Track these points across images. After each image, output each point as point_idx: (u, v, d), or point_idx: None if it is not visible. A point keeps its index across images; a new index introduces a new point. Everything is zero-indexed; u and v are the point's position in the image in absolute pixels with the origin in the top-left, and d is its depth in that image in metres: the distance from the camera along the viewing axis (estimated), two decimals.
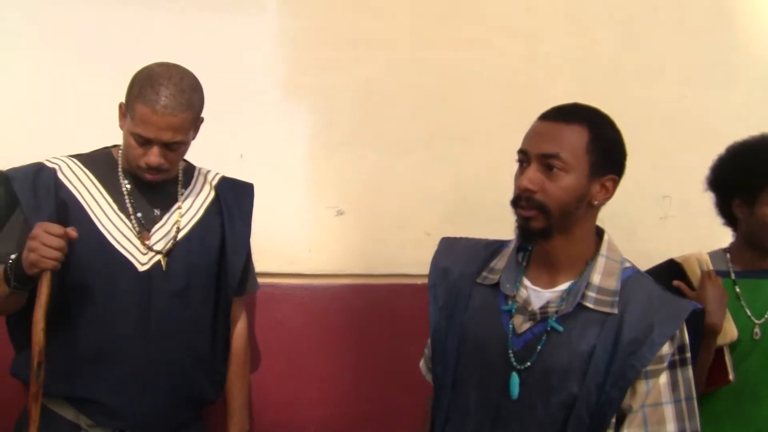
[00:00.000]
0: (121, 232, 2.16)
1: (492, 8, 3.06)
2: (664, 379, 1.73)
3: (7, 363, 2.23)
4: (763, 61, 3.47)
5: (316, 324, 2.86)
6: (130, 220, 2.18)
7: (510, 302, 1.84)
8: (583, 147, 1.75)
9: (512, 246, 1.92)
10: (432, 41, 2.98)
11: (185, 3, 2.75)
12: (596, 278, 1.78)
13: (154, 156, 2.10)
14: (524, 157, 1.79)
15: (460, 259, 1.98)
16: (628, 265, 1.85)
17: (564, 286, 1.81)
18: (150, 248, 2.17)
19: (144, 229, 2.19)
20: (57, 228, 1.90)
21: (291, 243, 2.86)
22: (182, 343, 2.23)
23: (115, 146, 2.29)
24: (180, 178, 2.31)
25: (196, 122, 2.18)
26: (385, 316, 2.91)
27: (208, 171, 2.41)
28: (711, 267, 2.35)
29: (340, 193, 2.90)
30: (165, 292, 2.18)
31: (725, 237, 2.54)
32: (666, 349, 1.72)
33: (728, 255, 2.48)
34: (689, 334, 1.77)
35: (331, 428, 2.89)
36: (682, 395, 1.75)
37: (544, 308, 1.80)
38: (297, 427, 2.85)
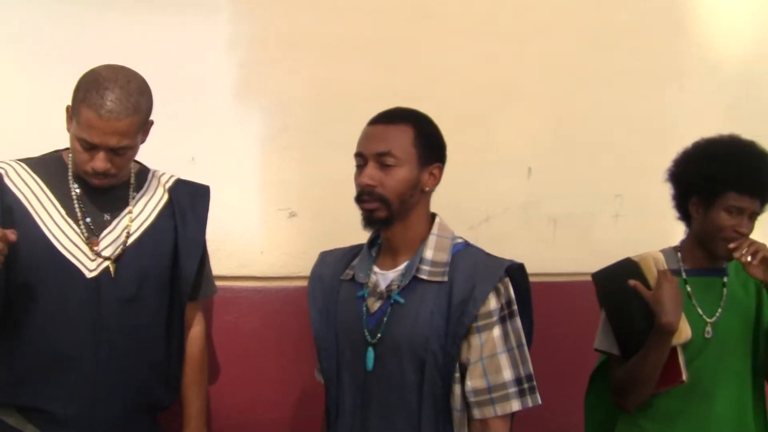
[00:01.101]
0: (69, 238, 2.12)
1: (451, 10, 3.07)
2: (496, 332, 1.97)
3: None
4: (714, 59, 3.53)
5: (270, 326, 2.85)
6: (79, 226, 2.14)
7: (363, 288, 2.09)
8: (410, 142, 2.01)
9: (366, 244, 2.19)
10: (388, 41, 2.99)
11: (137, 4, 2.72)
12: (429, 253, 2.04)
13: (100, 161, 2.07)
14: (361, 159, 2.05)
15: (331, 266, 2.23)
16: (459, 241, 2.10)
17: (404, 265, 2.06)
18: (98, 254, 2.14)
19: (93, 235, 2.15)
20: None
21: (243, 245, 2.84)
22: (135, 349, 2.19)
23: (65, 149, 2.23)
24: (132, 182, 2.27)
25: (144, 126, 2.14)
26: None
27: (163, 173, 2.37)
28: (666, 266, 2.37)
29: (293, 195, 2.89)
30: (115, 299, 2.14)
31: (677, 236, 2.57)
32: (493, 304, 1.97)
33: (679, 254, 2.51)
34: (515, 290, 2.02)
35: (289, 430, 2.87)
36: (514, 344, 1.98)
37: (389, 287, 2.06)
38: (254, 429, 2.83)
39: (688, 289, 2.44)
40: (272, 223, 2.88)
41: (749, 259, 2.29)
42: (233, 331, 2.80)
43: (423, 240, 2.06)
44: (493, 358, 1.96)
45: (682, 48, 3.48)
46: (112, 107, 2.02)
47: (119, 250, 2.17)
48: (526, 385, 1.98)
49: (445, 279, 2.00)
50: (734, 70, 3.58)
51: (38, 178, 2.16)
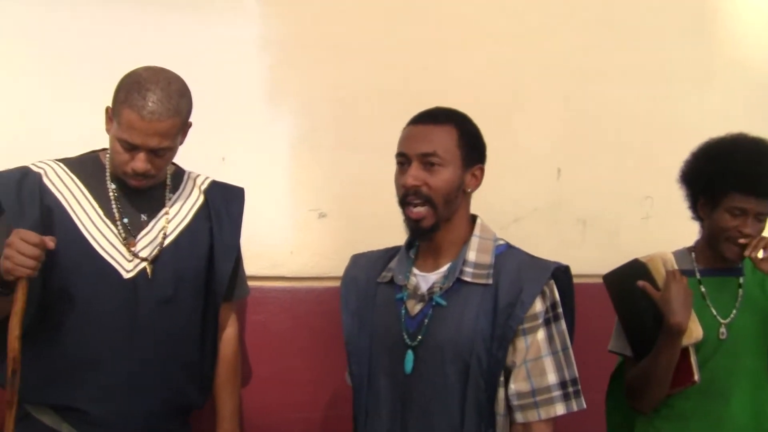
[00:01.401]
0: (107, 239, 2.13)
1: (474, 11, 3.07)
2: (541, 335, 1.95)
3: None
4: (741, 61, 3.50)
5: (300, 326, 2.85)
6: (116, 226, 2.15)
7: (403, 290, 2.07)
8: (454, 143, 2.00)
9: (403, 246, 2.17)
10: (414, 45, 2.99)
11: (169, 7, 2.73)
12: (472, 255, 2.02)
13: (140, 162, 2.08)
14: (404, 159, 2.03)
15: (366, 267, 2.22)
16: (501, 242, 2.09)
17: (446, 267, 2.04)
18: (135, 255, 2.14)
19: (130, 235, 2.16)
20: (33, 236, 1.87)
21: (273, 245, 2.85)
22: (169, 350, 2.19)
23: (102, 150, 2.25)
24: (168, 183, 2.28)
25: (183, 127, 2.16)
26: None
27: (198, 175, 2.38)
28: (676, 266, 2.36)
29: (323, 195, 2.90)
30: (151, 300, 2.15)
31: None
32: (539, 307, 1.95)
33: (693, 254, 2.49)
34: (559, 293, 2.00)
35: (318, 431, 2.88)
36: (559, 347, 1.97)
37: (431, 289, 2.03)
38: (283, 429, 2.83)
39: (702, 289, 2.43)
40: (302, 224, 2.89)
41: (759, 255, 2.29)
42: (263, 331, 2.81)
43: (465, 242, 2.05)
44: (537, 361, 1.94)
45: (710, 48, 3.46)
46: (154, 108, 2.03)
47: (156, 251, 2.17)
48: (570, 389, 1.96)
49: (490, 281, 1.98)
50: (762, 69, 3.55)
51: (76, 178, 2.17)
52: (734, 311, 2.41)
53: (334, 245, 2.88)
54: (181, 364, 2.24)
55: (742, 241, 2.31)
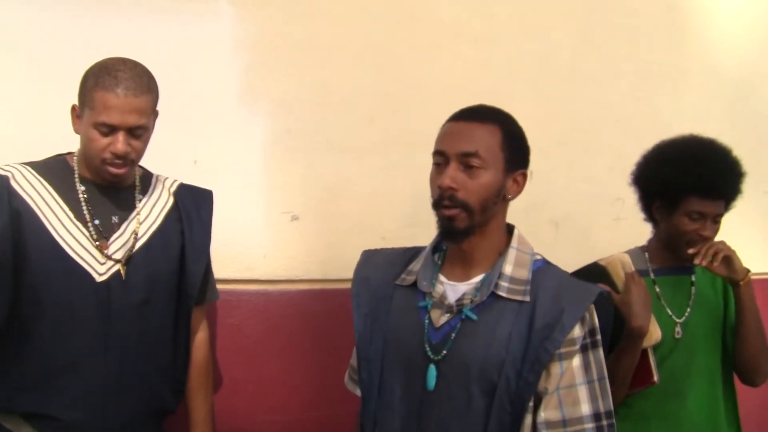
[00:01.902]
0: (78, 241, 2.10)
1: (449, 14, 3.08)
2: (577, 361, 1.80)
3: None
4: (714, 62, 3.55)
5: (274, 329, 2.85)
6: (87, 228, 2.12)
7: (427, 298, 1.91)
8: (498, 144, 1.84)
9: (428, 248, 2.00)
10: (389, 46, 2.99)
11: (139, 7, 2.72)
12: (508, 269, 1.86)
13: (120, 144, 2.06)
14: (442, 158, 1.86)
15: (381, 267, 2.06)
16: (538, 257, 1.93)
17: (478, 278, 1.89)
18: (108, 257, 2.12)
19: (102, 237, 2.13)
20: None
21: (246, 249, 2.84)
22: (143, 354, 2.17)
23: (69, 153, 2.22)
24: (137, 184, 2.26)
25: (154, 110, 2.16)
26: (343, 320, 2.87)
27: (166, 178, 2.37)
28: (633, 268, 2.37)
29: (296, 198, 2.89)
30: (125, 303, 2.13)
31: None
32: (577, 332, 1.79)
33: (646, 254, 2.52)
34: (599, 318, 1.84)
35: None
36: (595, 376, 1.82)
37: (459, 300, 1.87)
38: None
39: (657, 289, 2.45)
40: (275, 227, 2.87)
41: (711, 261, 2.31)
42: (237, 334, 2.79)
43: (500, 252, 1.90)
44: (571, 389, 1.80)
45: (681, 49, 3.49)
46: (128, 85, 2.04)
47: (128, 253, 2.16)
48: (605, 422, 1.82)
49: (527, 299, 1.82)
50: (733, 71, 3.60)
51: (45, 181, 2.13)
52: (688, 310, 2.45)
53: (308, 248, 2.88)
54: (155, 368, 2.22)
55: (691, 251, 2.33)
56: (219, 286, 2.49)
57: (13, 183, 2.09)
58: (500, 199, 1.87)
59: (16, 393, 2.06)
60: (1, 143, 2.52)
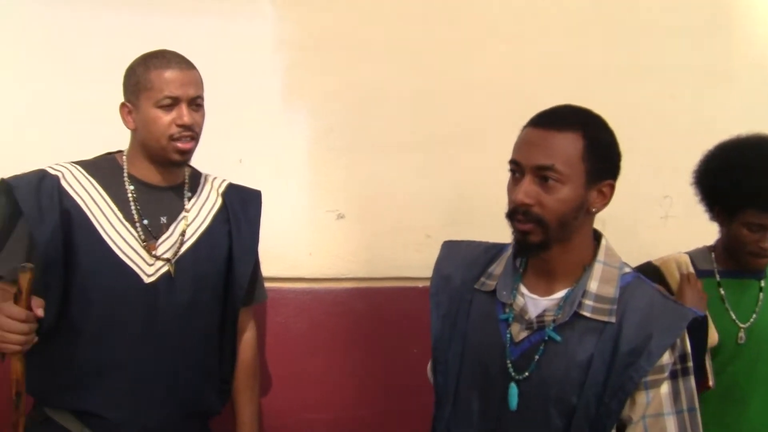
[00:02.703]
0: (126, 242, 2.11)
1: (486, 12, 3.06)
2: (665, 389, 1.68)
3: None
4: (760, 59, 3.47)
5: (319, 328, 2.86)
6: (136, 229, 2.12)
7: (507, 310, 1.80)
8: (578, 155, 1.68)
9: (510, 251, 1.86)
10: (431, 45, 2.98)
11: (184, 8, 2.74)
12: (593, 285, 1.73)
13: (186, 115, 2.10)
14: (517, 167, 1.73)
15: (461, 265, 1.94)
16: (627, 270, 1.80)
17: (561, 293, 1.77)
18: (157, 257, 2.12)
19: (151, 238, 2.14)
20: (18, 312, 1.82)
21: (292, 247, 2.85)
22: (189, 355, 2.18)
23: (118, 152, 2.23)
24: (186, 183, 2.27)
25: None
26: (387, 319, 2.91)
27: (215, 177, 2.37)
28: (691, 269, 2.32)
29: (341, 196, 2.90)
30: (172, 304, 2.13)
31: None
32: (666, 358, 1.67)
33: (713, 254, 2.45)
34: (691, 343, 1.71)
35: (337, 431, 2.88)
36: (684, 406, 1.70)
37: (540, 317, 1.76)
38: (302, 430, 2.84)
39: (721, 291, 2.39)
40: (320, 225, 2.89)
41: None
42: (282, 332, 2.81)
43: (585, 266, 1.77)
44: (658, 418, 1.68)
45: (728, 45, 3.43)
46: (180, 59, 2.14)
47: (176, 254, 2.16)
48: None
49: (613, 320, 1.70)
50: None
51: (94, 180, 2.14)
52: (754, 315, 2.37)
53: (352, 246, 2.89)
54: (200, 368, 2.23)
55: (763, 261, 2.27)
56: (265, 285, 2.50)
57: (63, 182, 2.11)
58: (582, 212, 1.72)
59: (63, 390, 2.09)
60: (48, 143, 2.57)
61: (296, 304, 2.83)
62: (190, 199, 2.26)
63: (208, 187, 2.33)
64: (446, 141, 2.97)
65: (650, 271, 2.35)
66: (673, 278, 2.29)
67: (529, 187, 1.68)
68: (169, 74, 2.09)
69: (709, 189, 2.42)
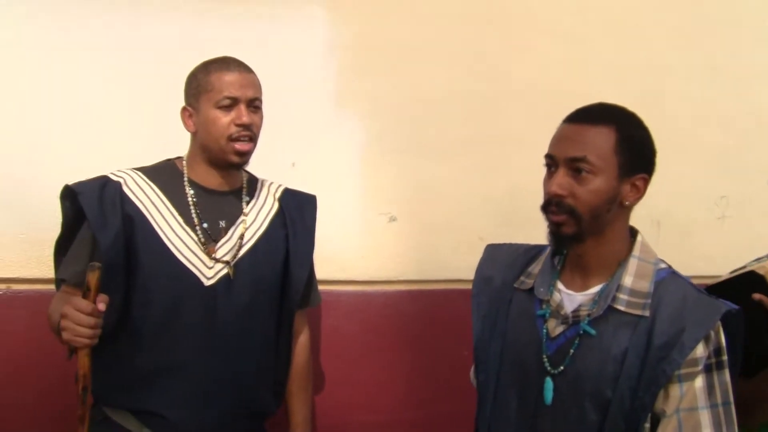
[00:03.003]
0: (186, 245, 2.14)
1: (540, 12, 3.05)
2: (699, 383, 1.69)
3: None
4: None
5: (370, 330, 2.87)
6: (195, 232, 2.16)
7: (544, 306, 1.85)
8: (611, 148, 1.73)
9: (548, 250, 1.91)
10: (481, 46, 2.98)
11: (236, 14, 2.76)
12: (628, 280, 1.77)
13: (244, 115, 2.14)
14: (552, 161, 1.79)
15: (502, 267, 2.00)
16: (663, 266, 1.82)
17: (596, 288, 1.80)
18: (216, 260, 2.15)
19: (210, 241, 2.17)
20: (87, 305, 1.86)
21: (344, 250, 2.86)
22: (246, 356, 2.21)
23: (178, 158, 2.28)
24: (244, 187, 2.31)
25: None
26: (439, 322, 2.91)
27: (271, 182, 2.40)
28: None
29: (393, 199, 2.90)
30: (230, 307, 2.16)
31: None
32: (700, 351, 1.68)
33: None
34: (726, 337, 1.72)
35: None
36: (719, 400, 1.70)
37: (576, 312, 1.80)
38: None
39: None
40: (372, 228, 2.90)
41: None
42: (334, 334, 2.82)
43: (621, 261, 1.80)
44: (692, 412, 1.69)
45: None
46: (239, 63, 2.20)
47: (235, 257, 2.19)
48: None
49: (647, 313, 1.72)
50: None
51: (155, 186, 2.18)
52: None
53: (404, 249, 2.89)
54: (257, 370, 2.26)
55: None
56: (318, 287, 2.51)
57: (125, 188, 2.15)
58: (615, 205, 1.76)
59: (123, 390, 2.13)
60: (113, 148, 2.61)
61: (348, 307, 2.85)
62: (248, 203, 2.29)
63: (265, 191, 2.36)
64: (497, 142, 2.96)
65: (753, 280, 2.21)
66: None
67: (562, 179, 1.74)
68: (229, 76, 2.14)
69: None
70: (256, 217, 2.28)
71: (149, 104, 2.65)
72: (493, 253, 2.07)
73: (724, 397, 1.71)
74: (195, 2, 2.73)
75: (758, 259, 2.37)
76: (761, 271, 2.23)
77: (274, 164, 2.64)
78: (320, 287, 2.54)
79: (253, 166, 2.37)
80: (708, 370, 1.69)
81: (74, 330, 1.86)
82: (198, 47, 2.53)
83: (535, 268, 1.94)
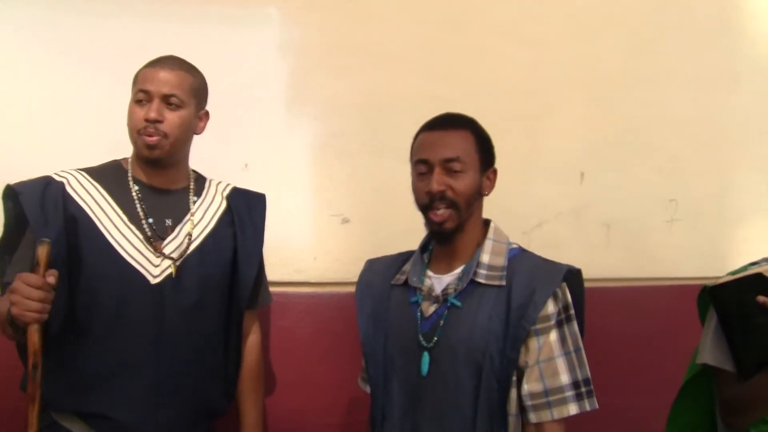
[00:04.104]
0: (132, 244, 2.12)
1: (499, 15, 3.08)
2: (553, 336, 1.96)
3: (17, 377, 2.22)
4: (766, 61, 3.47)
5: (324, 331, 2.86)
6: (141, 230, 2.14)
7: (417, 293, 2.10)
8: (473, 148, 2.04)
9: (418, 249, 2.19)
10: (437, 48, 3.00)
11: (190, 15, 2.76)
12: (486, 258, 2.04)
13: (153, 110, 2.12)
14: (425, 166, 2.04)
15: (380, 271, 2.25)
16: (514, 246, 2.11)
17: (459, 269, 2.06)
18: (163, 256, 2.14)
19: (157, 237, 2.16)
20: (36, 279, 1.85)
21: (297, 251, 2.86)
22: (195, 356, 2.19)
23: (124, 158, 2.26)
24: (192, 187, 2.29)
25: (197, 95, 2.23)
26: None
27: (219, 182, 2.39)
28: None
29: (346, 200, 2.91)
30: (178, 306, 2.15)
31: (734, 240, 2.52)
32: (551, 308, 1.96)
33: None
34: (571, 294, 2.00)
35: None
36: (571, 348, 1.97)
37: (445, 290, 2.05)
38: None
39: None
40: (325, 230, 2.90)
41: None
42: (288, 336, 2.82)
43: (479, 244, 2.07)
44: (550, 361, 1.95)
45: (734, 48, 3.44)
46: (166, 61, 2.19)
47: (182, 255, 2.17)
48: (583, 389, 1.96)
49: (503, 283, 1.99)
50: None
51: (99, 185, 2.17)
52: None
53: (357, 250, 2.88)
54: (207, 370, 2.24)
55: None
56: (270, 289, 2.50)
57: (68, 188, 2.13)
58: (479, 195, 2.06)
59: (71, 393, 2.09)
60: (69, 148, 2.59)
61: (301, 308, 2.84)
62: (195, 201, 2.28)
63: (213, 190, 2.35)
64: None
65: (759, 282, 2.23)
66: None
67: (440, 177, 2.00)
68: (149, 72, 2.16)
69: None
70: (204, 216, 2.27)
71: (97, 105, 2.62)
72: (373, 264, 2.31)
73: (575, 344, 1.98)
74: (147, 2, 2.71)
75: (755, 263, 2.41)
76: None
77: (227, 166, 2.64)
78: (274, 289, 2.54)
79: (206, 168, 2.38)
80: (559, 324, 1.97)
81: (23, 304, 1.84)
82: (149, 47, 2.52)
83: (408, 266, 2.18)
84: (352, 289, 2.86)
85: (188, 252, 2.19)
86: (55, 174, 2.17)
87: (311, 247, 2.88)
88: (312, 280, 2.88)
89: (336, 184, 2.91)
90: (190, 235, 2.21)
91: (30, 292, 1.84)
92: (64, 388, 2.09)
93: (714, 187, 2.73)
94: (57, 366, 2.06)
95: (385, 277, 2.22)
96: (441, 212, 2.01)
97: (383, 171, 2.92)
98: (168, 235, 2.18)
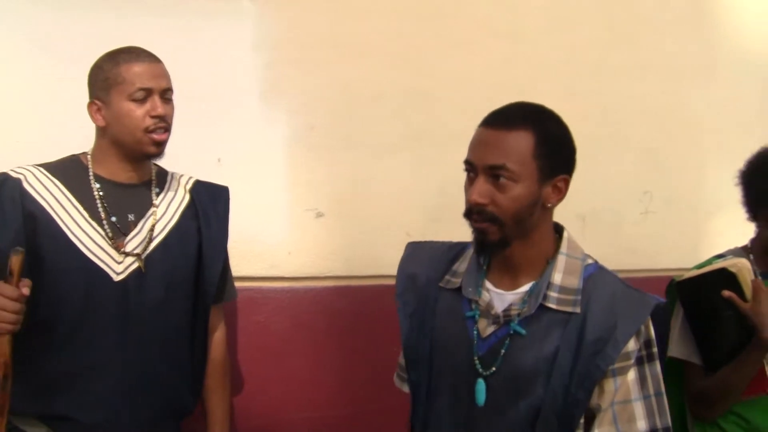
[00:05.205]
0: (94, 241, 2.08)
1: (475, 8, 3.06)
2: (632, 375, 1.72)
3: None
4: (744, 55, 3.48)
5: (299, 326, 2.85)
6: (103, 227, 2.10)
7: (473, 307, 1.82)
8: (529, 153, 1.70)
9: (473, 248, 1.87)
10: (413, 41, 2.98)
11: (163, 7, 2.73)
12: (557, 277, 1.76)
13: (160, 106, 2.11)
14: (471, 168, 1.76)
15: (426, 264, 1.96)
16: (590, 261, 1.83)
17: (525, 287, 1.79)
18: (126, 254, 2.10)
19: (119, 234, 2.12)
20: (11, 290, 1.83)
21: (271, 246, 2.84)
22: (162, 354, 2.16)
23: (83, 153, 2.21)
24: (153, 180, 2.26)
25: None
26: (368, 317, 2.90)
27: (182, 175, 2.35)
28: (752, 275, 2.26)
29: (320, 195, 2.89)
30: (142, 302, 2.11)
31: (708, 231, 2.53)
32: (632, 345, 1.70)
33: (751, 256, 2.40)
34: (654, 328, 1.75)
35: (319, 430, 2.88)
36: (651, 391, 1.74)
37: (506, 311, 1.78)
38: (283, 430, 2.84)
39: None
40: (300, 224, 2.88)
41: None
42: (263, 331, 2.80)
43: (549, 259, 1.79)
44: (626, 404, 1.72)
45: (709, 39, 3.44)
46: (148, 53, 2.15)
47: (145, 250, 2.14)
48: None
49: (578, 310, 1.73)
50: (763, 64, 3.53)
51: (58, 181, 2.12)
52: None
53: (332, 245, 2.88)
54: (173, 367, 2.21)
55: None
56: (245, 284, 2.49)
57: (25, 185, 2.08)
58: (538, 208, 1.74)
59: (34, 395, 2.05)
60: (28, 144, 2.54)
61: (276, 303, 2.83)
62: (158, 195, 2.24)
63: (175, 183, 2.31)
64: (428, 139, 2.97)
65: (725, 277, 2.26)
66: (747, 285, 2.22)
67: (482, 186, 1.71)
68: (139, 67, 2.10)
69: (755, 191, 2.37)
70: (167, 210, 2.23)
71: (70, 99, 2.58)
72: (415, 250, 2.03)
73: (656, 387, 1.74)
74: None
75: (720, 256, 2.42)
76: (733, 269, 2.26)
77: (200, 160, 2.61)
78: (248, 284, 2.52)
79: (178, 162, 2.35)
80: (639, 362, 1.72)
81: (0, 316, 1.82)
82: (120, 40, 2.49)
83: (460, 266, 1.90)
84: (327, 283, 2.89)
85: (151, 247, 2.15)
86: (11, 170, 2.11)
87: (286, 242, 2.86)
88: (287, 275, 2.86)
89: (310, 179, 2.88)
90: (153, 229, 2.18)
91: (5, 304, 1.82)
92: (27, 390, 2.03)
93: (689, 179, 2.73)
94: (20, 368, 2.01)
95: (431, 274, 1.94)
96: (479, 224, 1.74)
97: (358, 165, 2.90)
98: (131, 230, 2.15)
